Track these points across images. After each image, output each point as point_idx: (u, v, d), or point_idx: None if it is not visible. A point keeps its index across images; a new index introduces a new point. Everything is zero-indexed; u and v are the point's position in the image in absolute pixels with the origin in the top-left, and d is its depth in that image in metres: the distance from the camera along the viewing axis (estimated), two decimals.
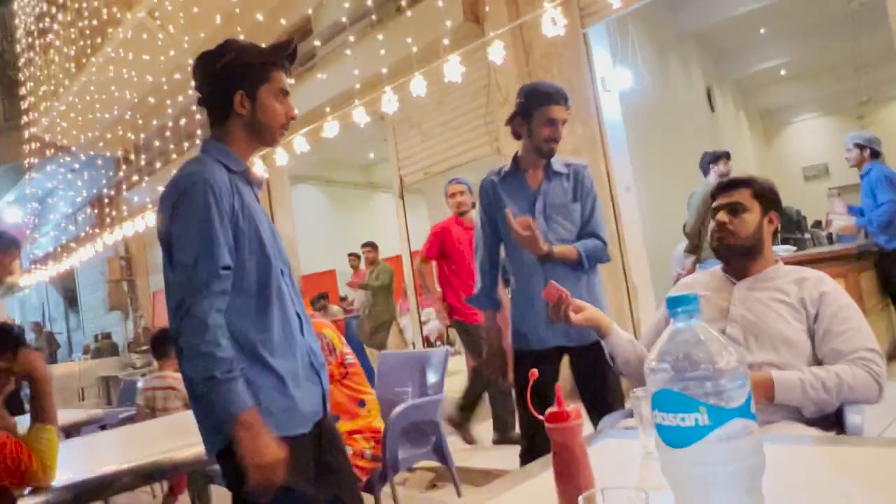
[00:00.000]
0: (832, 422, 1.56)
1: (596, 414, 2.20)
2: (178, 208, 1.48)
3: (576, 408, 1.07)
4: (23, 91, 10.42)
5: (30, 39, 10.16)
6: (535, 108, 2.33)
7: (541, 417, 1.09)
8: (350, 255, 8.82)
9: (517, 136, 2.43)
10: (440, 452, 2.86)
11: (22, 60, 10.58)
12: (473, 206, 4.14)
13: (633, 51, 6.00)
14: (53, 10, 9.06)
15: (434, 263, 4.47)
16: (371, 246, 7.40)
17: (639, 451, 1.19)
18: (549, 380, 2.22)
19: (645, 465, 1.15)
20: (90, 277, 12.30)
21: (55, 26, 9.07)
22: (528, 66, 4.76)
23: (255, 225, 1.57)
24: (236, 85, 1.59)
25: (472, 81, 4.87)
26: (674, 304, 0.69)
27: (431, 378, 3.00)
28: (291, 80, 1.75)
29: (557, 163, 2.41)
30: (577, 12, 4.48)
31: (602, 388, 2.33)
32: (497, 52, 4.12)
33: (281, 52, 1.65)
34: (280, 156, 5.93)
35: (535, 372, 1.17)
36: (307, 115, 6.04)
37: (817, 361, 1.61)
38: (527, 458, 2.30)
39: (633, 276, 4.62)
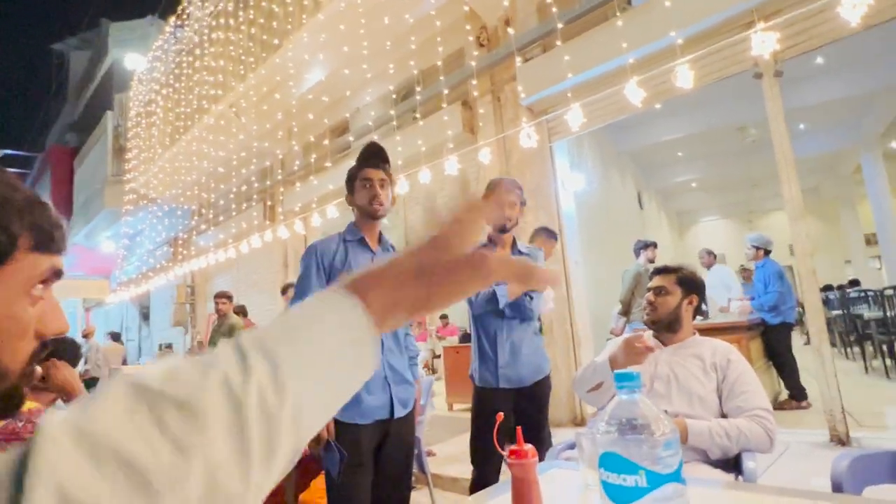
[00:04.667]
0: (732, 465, 1.51)
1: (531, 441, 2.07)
2: (301, 259, 1.81)
3: (532, 447, 0.99)
4: (128, 156, 10.46)
5: (138, 118, 10.27)
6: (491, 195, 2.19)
7: (503, 452, 1.00)
8: None
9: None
10: (419, 460, 2.72)
11: (131, 133, 10.67)
12: None
13: (585, 161, 6.11)
14: (159, 99, 9.20)
15: None
16: None
17: (580, 483, 1.10)
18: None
19: (585, 496, 1.07)
20: (162, 299, 12.05)
21: (158, 110, 9.19)
22: (507, 167, 4.80)
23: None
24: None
25: (465, 174, 4.90)
26: (621, 378, 0.62)
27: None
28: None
29: (522, 245, 2.31)
30: (546, 131, 4.55)
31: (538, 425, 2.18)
32: (485, 155, 4.17)
33: (361, 156, 1.85)
34: (315, 219, 5.90)
35: (501, 415, 1.09)
36: (340, 189, 6.05)
37: (723, 415, 1.56)
38: (477, 486, 2.10)
39: (578, 330, 4.53)
